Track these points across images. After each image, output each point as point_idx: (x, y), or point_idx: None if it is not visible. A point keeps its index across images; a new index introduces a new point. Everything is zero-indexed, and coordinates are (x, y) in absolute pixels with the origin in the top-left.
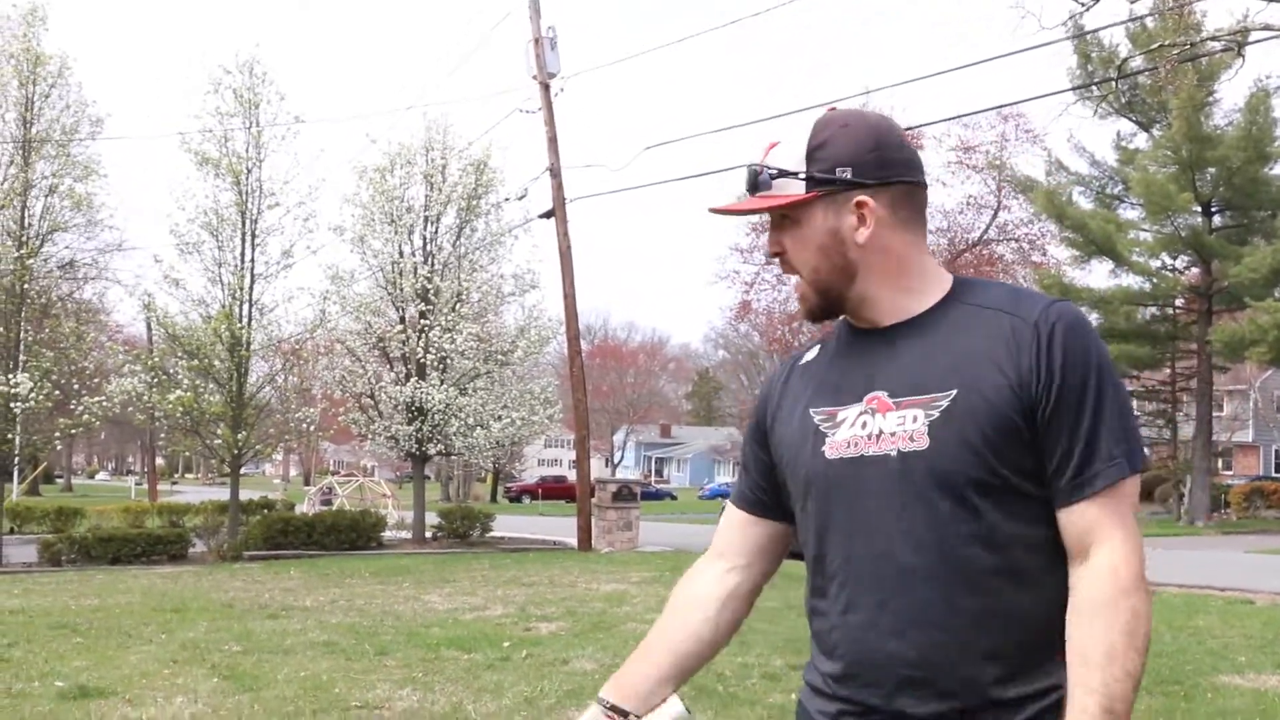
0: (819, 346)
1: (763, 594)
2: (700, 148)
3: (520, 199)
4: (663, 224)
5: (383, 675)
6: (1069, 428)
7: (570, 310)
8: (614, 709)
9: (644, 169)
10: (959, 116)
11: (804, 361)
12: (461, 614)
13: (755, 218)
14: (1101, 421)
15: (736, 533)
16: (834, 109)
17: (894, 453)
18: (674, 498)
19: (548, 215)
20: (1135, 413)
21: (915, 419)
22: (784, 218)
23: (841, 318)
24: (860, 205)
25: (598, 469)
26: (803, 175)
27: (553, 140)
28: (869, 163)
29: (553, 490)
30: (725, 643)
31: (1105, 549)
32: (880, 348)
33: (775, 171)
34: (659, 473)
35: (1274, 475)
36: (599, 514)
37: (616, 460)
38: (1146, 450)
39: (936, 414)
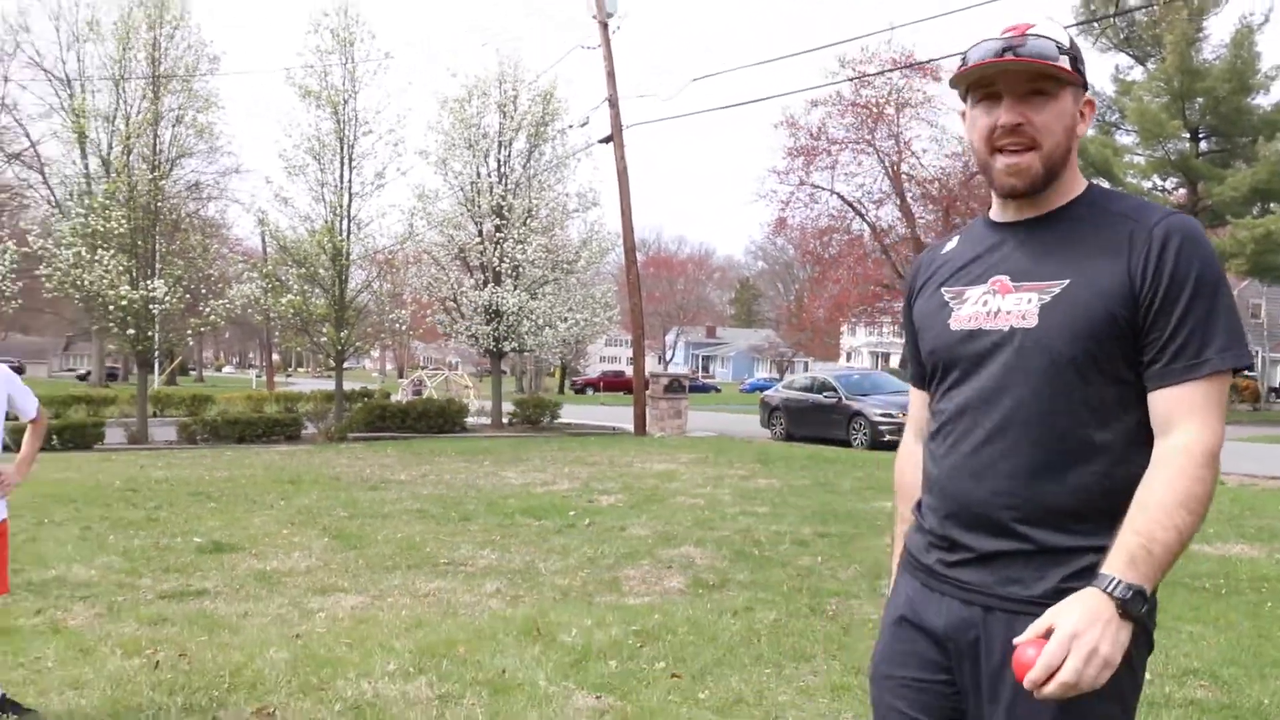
0: (957, 237)
1: (794, 473)
2: (741, 79)
3: (583, 126)
4: (710, 147)
5: (466, 538)
6: (1173, 322)
7: (627, 225)
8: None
9: (692, 98)
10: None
11: (944, 250)
12: (533, 488)
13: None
14: (1205, 320)
15: (924, 412)
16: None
17: (1006, 329)
18: (718, 390)
19: (606, 140)
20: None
21: (1030, 300)
22: (1036, 92)
23: (978, 217)
24: (1089, 105)
25: (651, 365)
26: (1070, 55)
27: (610, 74)
28: (1084, 73)
29: (612, 383)
30: None
31: (1186, 429)
32: (1011, 239)
33: (1058, 46)
34: (705, 369)
35: (1247, 375)
36: (652, 404)
37: (668, 357)
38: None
39: (1049, 298)
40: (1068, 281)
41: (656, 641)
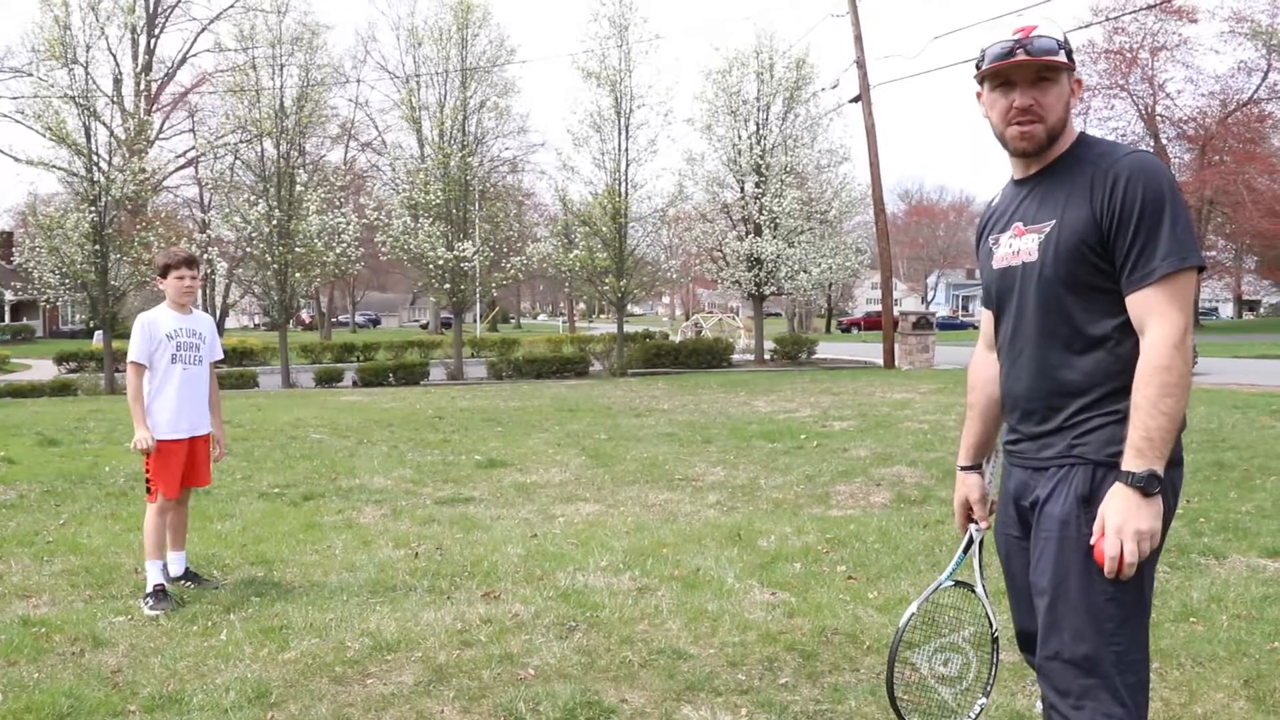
0: (999, 194)
1: None
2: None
3: (833, 88)
4: (965, 99)
5: (703, 457)
6: (1130, 238)
7: (875, 177)
8: (969, 468)
9: (939, 55)
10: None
11: (993, 203)
12: (776, 415)
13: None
14: (1156, 233)
15: (988, 326)
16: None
17: (1020, 264)
18: (976, 327)
19: (855, 100)
20: (1192, 229)
21: (1033, 240)
22: (1044, 79)
23: (1011, 178)
24: (1078, 83)
25: (913, 305)
26: (1066, 49)
27: (858, 38)
28: (1074, 60)
29: (873, 323)
30: None
31: (1152, 328)
32: (1025, 191)
33: (1058, 42)
34: (965, 308)
35: None
36: (901, 339)
37: (929, 298)
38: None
39: (1042, 236)
40: (1054, 222)
41: (844, 548)
